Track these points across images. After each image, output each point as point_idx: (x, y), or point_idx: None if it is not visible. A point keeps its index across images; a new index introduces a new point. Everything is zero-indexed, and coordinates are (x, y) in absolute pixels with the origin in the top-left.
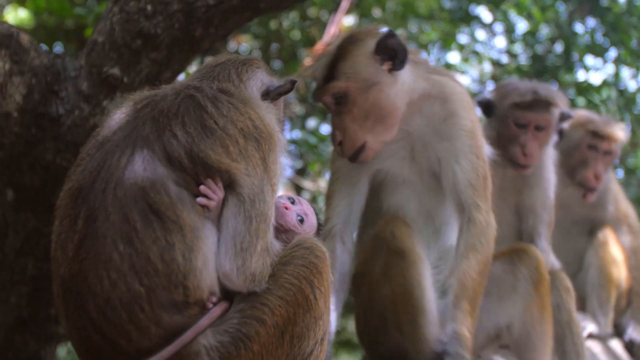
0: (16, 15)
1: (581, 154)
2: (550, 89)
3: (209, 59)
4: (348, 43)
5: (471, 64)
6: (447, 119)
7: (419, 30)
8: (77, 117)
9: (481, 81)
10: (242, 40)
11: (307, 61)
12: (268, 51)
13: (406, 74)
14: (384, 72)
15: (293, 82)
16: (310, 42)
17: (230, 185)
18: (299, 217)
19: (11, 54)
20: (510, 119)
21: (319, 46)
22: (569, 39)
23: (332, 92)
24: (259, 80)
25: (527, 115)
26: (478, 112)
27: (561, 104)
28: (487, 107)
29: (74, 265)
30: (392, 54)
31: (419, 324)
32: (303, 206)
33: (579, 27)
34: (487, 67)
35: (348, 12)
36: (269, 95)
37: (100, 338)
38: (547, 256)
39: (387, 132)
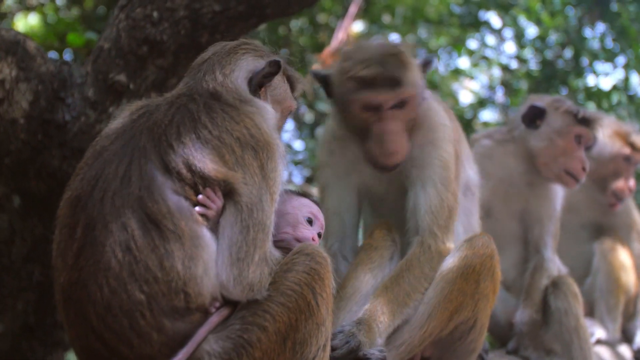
0: (26, 23)
1: (616, 165)
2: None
3: (198, 57)
4: (406, 54)
5: (481, 69)
6: (424, 147)
7: (428, 36)
8: (83, 123)
9: (490, 86)
10: None
11: (316, 67)
12: None
13: None
14: None
15: (275, 63)
16: (319, 47)
17: (229, 194)
18: (307, 218)
19: (17, 60)
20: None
21: (327, 52)
22: (578, 44)
23: (401, 97)
24: (244, 69)
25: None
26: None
27: None
28: (536, 117)
29: (74, 273)
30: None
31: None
32: (311, 208)
33: (588, 32)
34: (497, 72)
35: (357, 18)
36: (252, 83)
37: (101, 345)
38: (553, 265)
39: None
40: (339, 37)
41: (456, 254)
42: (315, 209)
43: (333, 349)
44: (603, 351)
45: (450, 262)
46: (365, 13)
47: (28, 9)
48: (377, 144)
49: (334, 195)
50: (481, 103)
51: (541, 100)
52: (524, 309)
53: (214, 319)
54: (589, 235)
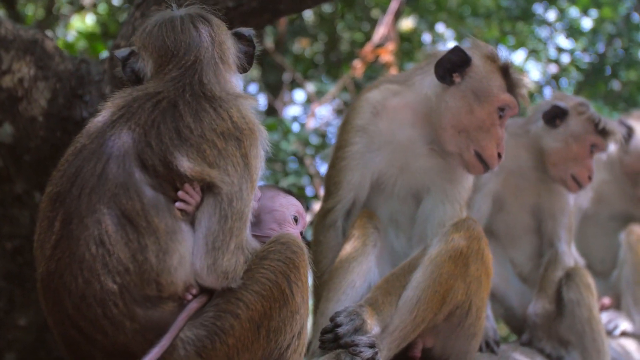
0: (84, 23)
1: None
2: None
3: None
4: None
5: (531, 63)
6: (458, 165)
7: (476, 29)
8: None
9: (545, 82)
10: (305, 44)
11: (357, 63)
12: (329, 53)
13: None
14: None
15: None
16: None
17: (208, 187)
18: (294, 216)
19: (36, 60)
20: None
21: (368, 47)
22: (627, 35)
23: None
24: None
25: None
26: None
27: None
28: (557, 117)
29: (51, 264)
30: None
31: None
32: (298, 207)
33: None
34: (548, 67)
35: (406, 14)
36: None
37: (77, 333)
38: (568, 258)
39: None
40: (380, 32)
41: (443, 238)
42: (300, 208)
43: (338, 325)
44: (629, 343)
45: (437, 246)
46: (413, 8)
47: (82, 9)
48: (493, 146)
49: (358, 169)
50: (530, 96)
51: (566, 101)
52: (537, 300)
53: (193, 305)
54: (618, 226)
